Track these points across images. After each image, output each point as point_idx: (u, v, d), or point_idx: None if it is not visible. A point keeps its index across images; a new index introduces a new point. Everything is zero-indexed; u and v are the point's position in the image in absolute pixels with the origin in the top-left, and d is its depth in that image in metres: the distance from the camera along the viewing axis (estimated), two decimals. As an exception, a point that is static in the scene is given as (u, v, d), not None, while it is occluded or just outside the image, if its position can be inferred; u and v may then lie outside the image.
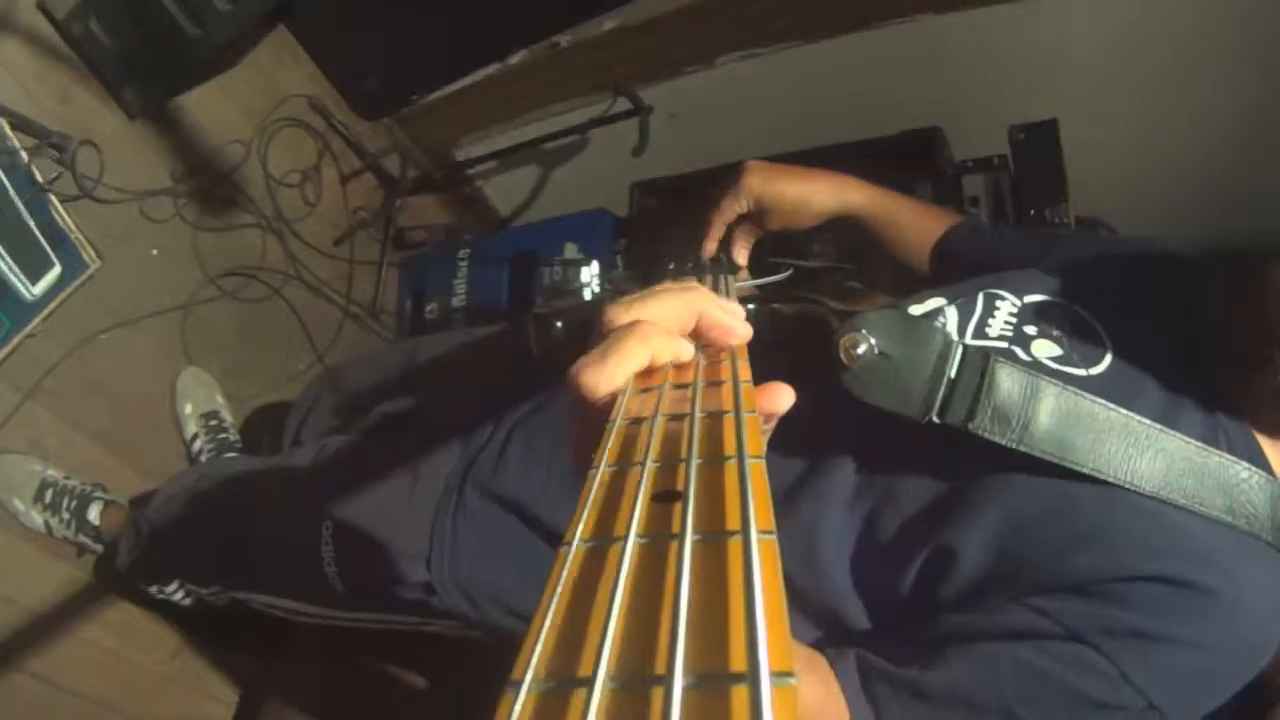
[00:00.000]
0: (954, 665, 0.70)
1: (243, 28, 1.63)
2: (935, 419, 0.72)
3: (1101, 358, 0.79)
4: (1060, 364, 0.78)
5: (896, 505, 0.78)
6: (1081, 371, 0.78)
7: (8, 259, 1.60)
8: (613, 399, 0.40)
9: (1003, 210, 1.75)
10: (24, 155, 1.64)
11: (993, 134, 1.71)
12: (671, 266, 1.04)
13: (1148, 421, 0.70)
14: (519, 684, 0.20)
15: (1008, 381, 0.71)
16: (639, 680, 0.20)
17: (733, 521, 0.26)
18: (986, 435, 0.70)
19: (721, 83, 1.96)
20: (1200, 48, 1.66)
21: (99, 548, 1.66)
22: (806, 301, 0.89)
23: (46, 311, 1.68)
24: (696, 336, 0.48)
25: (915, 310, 0.86)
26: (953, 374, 0.72)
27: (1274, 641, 0.69)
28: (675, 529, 0.26)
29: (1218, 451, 0.71)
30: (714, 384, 0.40)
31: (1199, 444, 0.70)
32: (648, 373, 0.43)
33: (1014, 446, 0.70)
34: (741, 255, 1.08)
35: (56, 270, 1.68)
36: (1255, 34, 1.59)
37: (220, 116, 1.94)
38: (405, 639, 1.18)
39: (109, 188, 1.75)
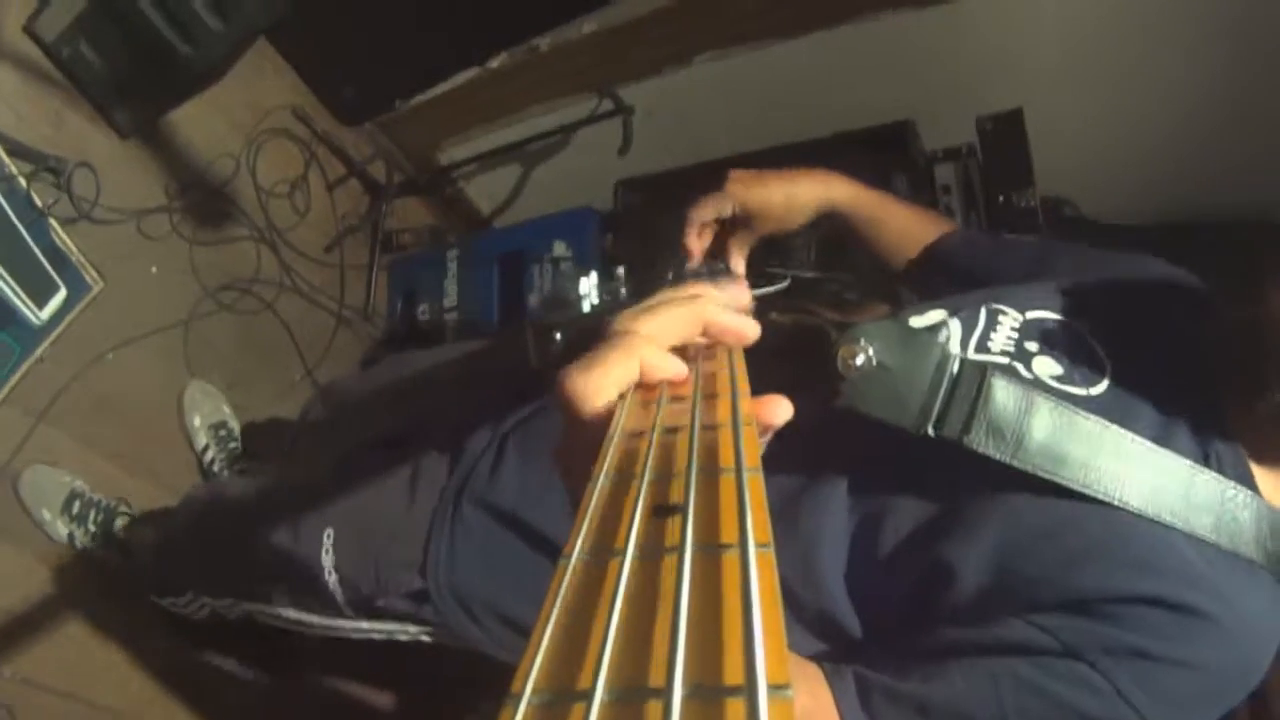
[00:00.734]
0: (954, 680, 0.70)
1: (235, 45, 1.65)
2: (931, 432, 0.72)
3: (1100, 378, 0.79)
4: (1061, 383, 0.79)
5: (895, 519, 0.78)
6: (1081, 391, 0.78)
7: (14, 286, 1.63)
8: (606, 412, 0.41)
9: (973, 196, 1.85)
10: (22, 181, 1.66)
11: (961, 124, 1.80)
12: (670, 277, 1.04)
13: (1140, 439, 0.71)
14: (518, 697, 0.20)
15: (1003, 395, 0.71)
16: (637, 693, 0.20)
17: (730, 534, 0.27)
18: (981, 449, 0.71)
19: (698, 81, 2.02)
20: (1157, 34, 1.76)
21: (119, 560, 1.69)
22: (804, 312, 0.89)
23: (54, 335, 1.71)
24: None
25: (916, 322, 0.87)
26: (950, 386, 0.73)
27: (1266, 661, 0.70)
28: (673, 542, 0.27)
29: (1208, 470, 0.71)
30: (712, 396, 0.40)
31: (1189, 462, 0.71)
32: (648, 386, 0.44)
33: (1008, 461, 0.70)
34: (738, 264, 1.07)
35: (62, 294, 1.71)
36: (1209, 19, 1.70)
37: (208, 131, 1.96)
38: (404, 651, 1.19)
39: (106, 208, 1.77)
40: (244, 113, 2.03)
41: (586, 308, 1.48)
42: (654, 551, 0.26)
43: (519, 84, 2.10)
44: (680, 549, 0.25)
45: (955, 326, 0.85)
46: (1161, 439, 0.72)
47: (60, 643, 1.67)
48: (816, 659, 0.75)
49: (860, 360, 0.72)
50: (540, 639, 0.22)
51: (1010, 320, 0.85)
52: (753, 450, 0.33)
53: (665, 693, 0.20)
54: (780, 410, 0.47)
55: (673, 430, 0.36)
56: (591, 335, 0.59)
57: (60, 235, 1.72)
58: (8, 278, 1.61)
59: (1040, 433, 0.70)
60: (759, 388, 0.44)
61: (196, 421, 1.89)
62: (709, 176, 2.02)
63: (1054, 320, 0.85)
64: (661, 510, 0.29)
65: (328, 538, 1.07)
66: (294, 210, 2.10)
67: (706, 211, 1.05)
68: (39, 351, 1.69)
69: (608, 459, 0.34)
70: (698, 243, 1.06)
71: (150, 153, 1.86)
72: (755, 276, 1.09)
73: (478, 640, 1.02)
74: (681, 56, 2.01)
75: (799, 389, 0.76)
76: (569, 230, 2.05)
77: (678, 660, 0.20)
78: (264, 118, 2.05)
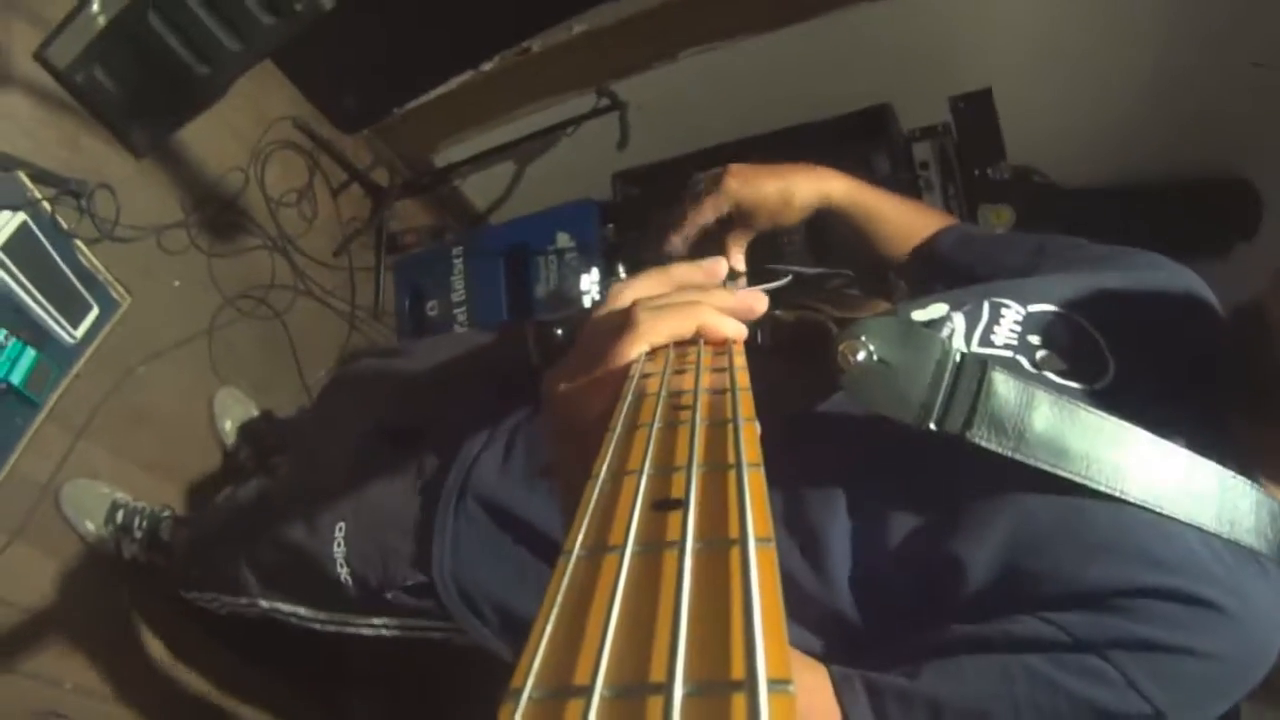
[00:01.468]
0: (967, 677, 0.70)
1: (251, 64, 1.72)
2: (933, 426, 0.72)
3: (1103, 372, 0.79)
4: (1063, 376, 0.79)
5: (901, 516, 0.78)
6: (1083, 385, 0.78)
7: (49, 307, 1.68)
8: (601, 414, 0.42)
9: (950, 171, 1.98)
10: (46, 205, 1.72)
11: (936, 105, 1.94)
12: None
13: (1141, 431, 0.71)
14: (519, 692, 0.20)
15: (1004, 388, 0.71)
16: (639, 688, 0.20)
17: (731, 529, 0.27)
18: (984, 443, 0.71)
19: (685, 75, 2.13)
20: (1112, 11, 1.90)
21: (165, 564, 1.73)
22: (805, 308, 0.88)
23: (89, 353, 1.77)
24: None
25: (919, 315, 0.87)
26: (951, 381, 0.72)
27: (1275, 650, 0.71)
28: (673, 537, 0.27)
29: (1208, 462, 0.72)
30: (713, 391, 0.40)
31: (1189, 454, 0.71)
32: (652, 374, 0.45)
33: (1010, 455, 0.70)
34: (738, 261, 1.07)
35: (94, 312, 1.77)
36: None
37: (216, 147, 2.03)
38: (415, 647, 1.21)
39: (126, 227, 1.83)
40: (248, 127, 2.10)
41: (588, 304, 1.50)
42: (655, 547, 0.26)
43: (512, 85, 2.19)
44: (680, 544, 0.25)
45: (959, 320, 0.85)
46: (1162, 432, 0.72)
47: (116, 652, 1.73)
48: (825, 658, 0.74)
49: (861, 356, 0.72)
50: (541, 634, 0.22)
51: (1013, 314, 0.85)
52: (753, 446, 0.33)
53: (666, 687, 0.20)
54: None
55: (673, 425, 0.36)
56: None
57: (87, 255, 1.78)
58: (43, 300, 1.67)
59: (1041, 426, 0.70)
60: (760, 384, 0.43)
61: (227, 426, 1.96)
62: (701, 167, 2.14)
63: (1056, 314, 0.85)
64: (662, 505, 0.29)
65: (339, 530, 1.09)
66: (302, 218, 2.18)
67: (707, 213, 1.04)
68: (75, 369, 1.75)
69: (608, 453, 0.34)
70: (680, 240, 1.05)
71: (164, 171, 1.93)
72: (756, 273, 1.08)
73: (483, 636, 1.02)
74: (668, 52, 2.11)
75: (801, 385, 0.81)
76: (571, 222, 2.13)
77: (678, 655, 0.20)
78: (267, 130, 2.12)
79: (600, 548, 0.27)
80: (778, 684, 0.20)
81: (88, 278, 1.77)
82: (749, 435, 0.34)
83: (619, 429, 0.37)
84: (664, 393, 0.40)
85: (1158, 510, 0.70)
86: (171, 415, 1.90)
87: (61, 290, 1.71)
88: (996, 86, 1.90)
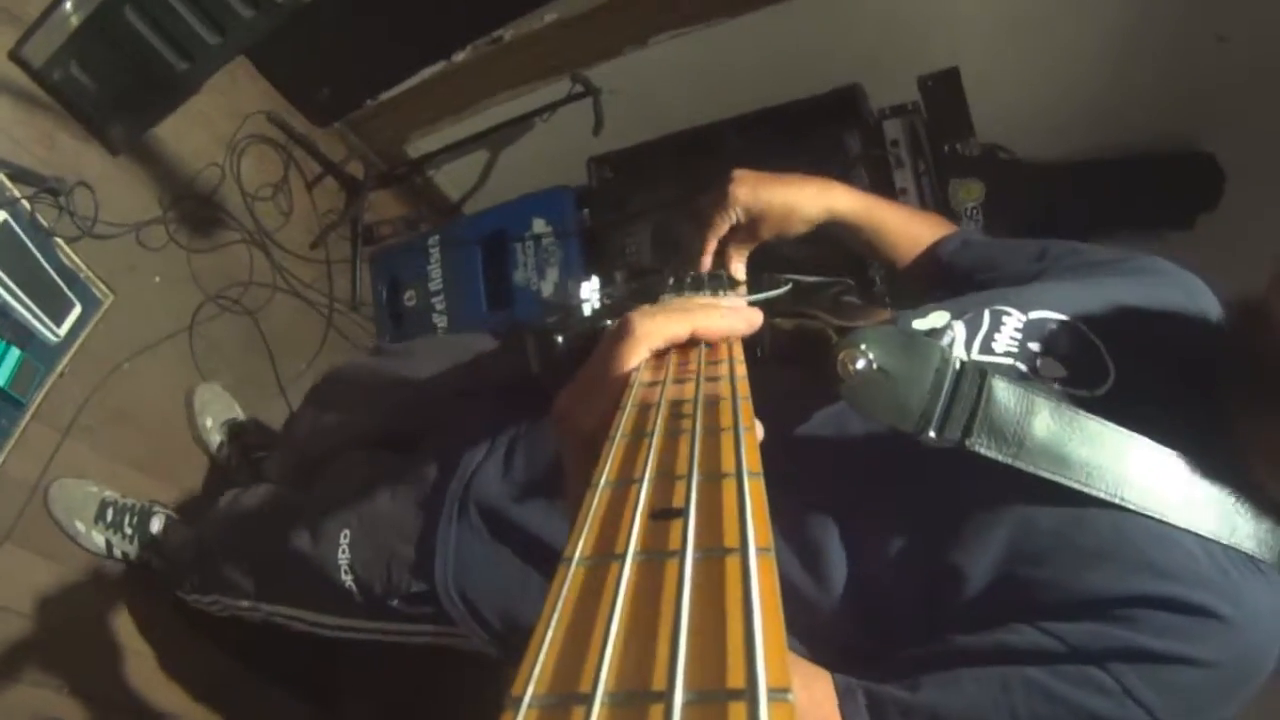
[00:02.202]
0: (966, 688, 0.70)
1: (230, 58, 1.72)
2: (933, 435, 0.72)
3: (1104, 379, 0.79)
4: (1064, 384, 0.79)
5: (904, 524, 0.78)
6: (1084, 392, 0.78)
7: (33, 306, 1.68)
8: (603, 423, 0.42)
9: (920, 148, 2.03)
10: (25, 204, 1.71)
11: (905, 83, 1.98)
12: (671, 282, 1.02)
13: (1142, 439, 0.71)
14: (520, 700, 0.20)
15: (1004, 395, 0.71)
16: (640, 697, 0.20)
17: (731, 539, 0.27)
18: (983, 451, 0.70)
19: (657, 60, 2.15)
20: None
21: (158, 562, 1.73)
22: (805, 316, 0.87)
23: (73, 350, 1.76)
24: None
25: (919, 324, 0.87)
26: (951, 388, 0.72)
27: (1274, 658, 0.70)
28: (674, 546, 0.27)
29: (1209, 468, 0.72)
30: (713, 400, 0.41)
31: (1190, 461, 0.71)
32: (652, 382, 0.46)
33: (1010, 462, 0.70)
34: (738, 269, 1.08)
35: (77, 309, 1.76)
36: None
37: (192, 142, 2.03)
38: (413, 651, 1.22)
39: (106, 224, 1.83)
40: (223, 122, 2.09)
41: (588, 312, 1.50)
42: (655, 555, 0.26)
43: (485, 74, 2.20)
44: (681, 553, 0.25)
45: (960, 329, 0.85)
46: (1163, 439, 0.72)
47: (108, 653, 1.72)
48: (825, 668, 0.74)
49: (861, 364, 0.71)
50: (541, 643, 0.22)
51: (1014, 321, 0.85)
52: (753, 455, 0.33)
53: (666, 695, 0.20)
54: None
55: (673, 434, 0.37)
56: (593, 340, 0.63)
57: (67, 253, 1.77)
58: (26, 299, 1.66)
59: (1041, 433, 0.70)
60: (759, 392, 0.43)
61: (208, 423, 1.95)
62: (676, 150, 2.17)
63: (1057, 321, 0.85)
64: (662, 514, 0.29)
65: (344, 538, 1.10)
66: (279, 211, 2.19)
67: (720, 229, 1.06)
68: (60, 367, 1.74)
69: (608, 462, 0.35)
70: (711, 260, 1.08)
71: (142, 167, 1.92)
72: (756, 280, 1.08)
73: (485, 643, 1.03)
74: (638, 38, 2.14)
75: (801, 394, 0.82)
76: (546, 208, 2.16)
77: (679, 664, 0.20)
78: (241, 125, 2.12)
79: (600, 556, 0.27)
80: (777, 693, 0.20)
81: (70, 276, 1.77)
82: (750, 444, 0.34)
83: (618, 437, 0.37)
84: (664, 401, 0.41)
85: (1158, 518, 0.70)
86: (158, 412, 1.90)
87: (44, 289, 1.71)
88: (964, 65, 1.94)
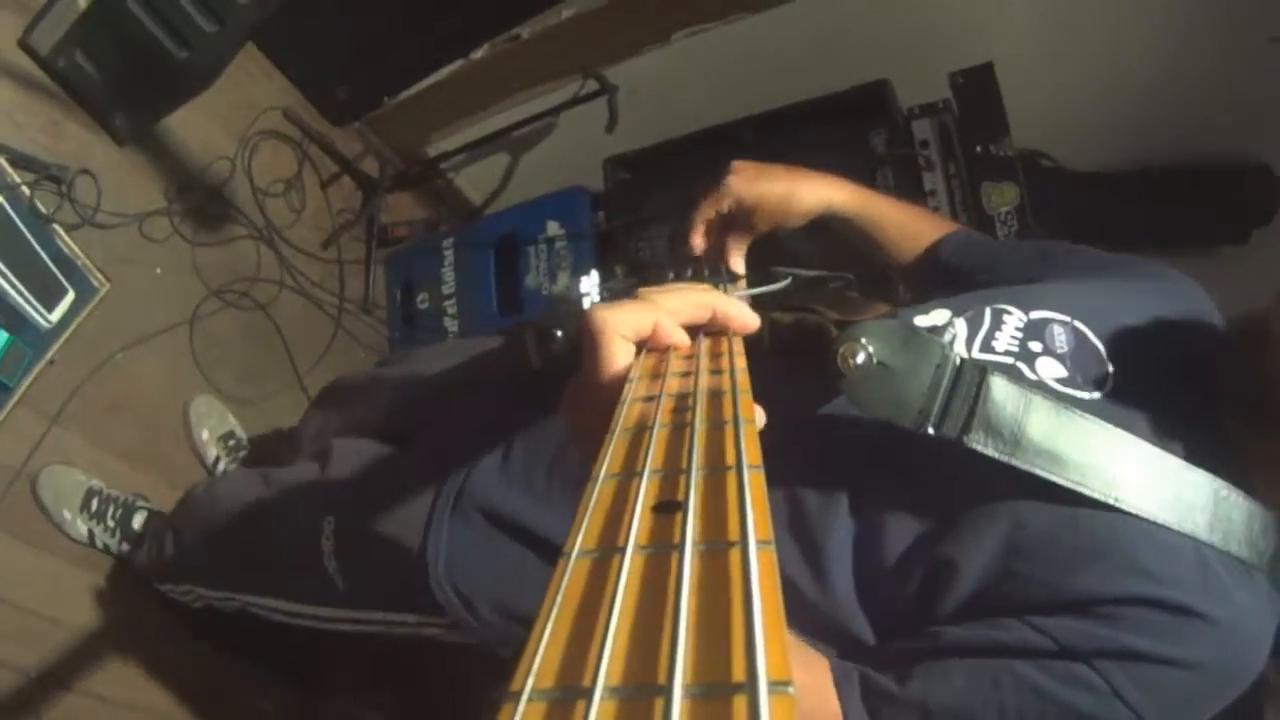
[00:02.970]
0: (955, 681, 0.71)
1: (230, 47, 1.70)
2: (931, 431, 0.72)
3: (1104, 380, 0.80)
4: (1062, 384, 0.79)
5: (900, 520, 0.78)
6: (1082, 393, 0.79)
7: (24, 290, 1.66)
8: (603, 417, 0.42)
9: (951, 149, 1.90)
10: (25, 190, 1.71)
11: (935, 81, 1.86)
12: (671, 276, 1.02)
13: (1138, 440, 0.72)
14: (519, 695, 0.20)
15: (1001, 394, 0.72)
16: (644, 690, 0.20)
17: (732, 532, 0.27)
18: (981, 448, 0.71)
19: (678, 58, 2.08)
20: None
21: (139, 555, 1.70)
22: (805, 311, 0.89)
23: (64, 337, 1.74)
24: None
25: (921, 321, 0.87)
26: (950, 385, 0.73)
27: (1260, 659, 0.72)
28: (675, 539, 0.27)
29: (1202, 472, 0.72)
30: (714, 393, 0.41)
31: (1183, 463, 0.72)
32: (653, 376, 0.46)
33: (1006, 460, 0.71)
34: (738, 263, 1.07)
35: (70, 296, 1.74)
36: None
37: (203, 135, 2.01)
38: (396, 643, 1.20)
39: (108, 213, 1.81)
40: (236, 116, 2.08)
41: (588, 305, 1.49)
42: (656, 549, 0.26)
43: (502, 73, 2.16)
44: (680, 546, 0.26)
45: (961, 326, 0.85)
46: (1160, 441, 0.73)
47: (87, 643, 1.69)
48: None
49: (860, 359, 0.72)
50: (540, 636, 0.22)
51: (1015, 320, 0.85)
52: (754, 448, 0.33)
53: (666, 689, 0.20)
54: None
55: (674, 427, 0.37)
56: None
57: (65, 240, 1.76)
58: (17, 283, 1.65)
59: (1037, 432, 0.71)
60: (760, 386, 0.43)
61: (205, 435, 1.92)
62: (695, 149, 2.08)
63: (1058, 321, 0.85)
64: (663, 507, 0.29)
65: (328, 524, 1.09)
66: (290, 209, 2.15)
67: (708, 210, 1.05)
68: (50, 354, 1.72)
69: (608, 456, 0.35)
70: (701, 240, 1.06)
71: (148, 158, 1.91)
72: (756, 275, 1.07)
73: (481, 636, 1.03)
74: (659, 35, 2.06)
75: (801, 388, 0.81)
76: (561, 210, 2.10)
77: (678, 656, 0.21)
78: (255, 120, 2.10)
79: (600, 550, 0.27)
80: (778, 685, 0.20)
81: (65, 263, 1.75)
82: (750, 437, 0.34)
83: (616, 431, 0.37)
84: (665, 395, 0.41)
85: (1151, 519, 0.70)
86: (150, 404, 1.87)
87: (36, 274, 1.69)
88: (1003, 67, 1.82)
